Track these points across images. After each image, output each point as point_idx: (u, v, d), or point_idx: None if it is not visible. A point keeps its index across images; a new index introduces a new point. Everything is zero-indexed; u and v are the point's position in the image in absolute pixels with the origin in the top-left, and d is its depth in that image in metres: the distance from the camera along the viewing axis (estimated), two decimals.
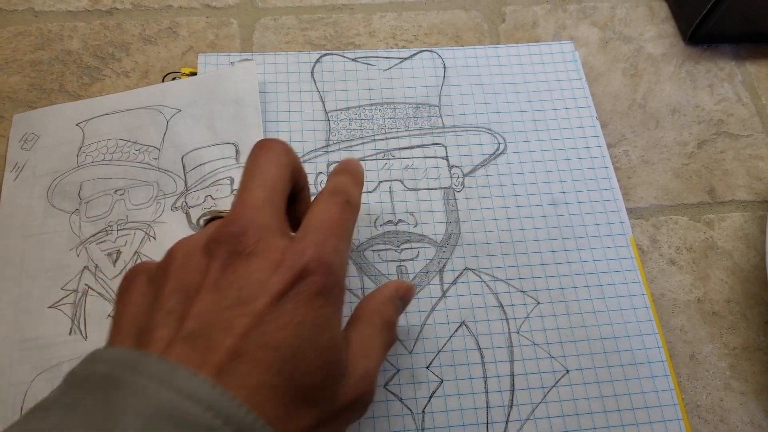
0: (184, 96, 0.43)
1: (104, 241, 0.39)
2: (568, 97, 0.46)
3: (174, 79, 0.45)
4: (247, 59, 0.45)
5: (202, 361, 0.22)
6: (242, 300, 0.24)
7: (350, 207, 0.29)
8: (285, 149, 0.29)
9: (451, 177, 0.43)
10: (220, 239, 0.25)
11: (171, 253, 0.26)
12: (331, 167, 0.42)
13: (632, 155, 0.47)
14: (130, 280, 0.27)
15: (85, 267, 0.38)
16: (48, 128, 0.42)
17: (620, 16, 0.53)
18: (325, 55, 0.46)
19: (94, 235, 0.39)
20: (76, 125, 0.42)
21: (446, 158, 0.43)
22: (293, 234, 0.27)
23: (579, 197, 0.43)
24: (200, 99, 0.43)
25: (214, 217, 0.36)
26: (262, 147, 0.29)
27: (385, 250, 0.40)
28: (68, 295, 0.37)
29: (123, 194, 0.40)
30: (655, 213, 0.45)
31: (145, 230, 0.39)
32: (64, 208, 0.39)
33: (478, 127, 0.45)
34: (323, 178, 0.42)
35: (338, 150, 0.43)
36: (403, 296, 0.33)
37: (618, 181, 0.44)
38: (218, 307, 0.23)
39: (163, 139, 0.42)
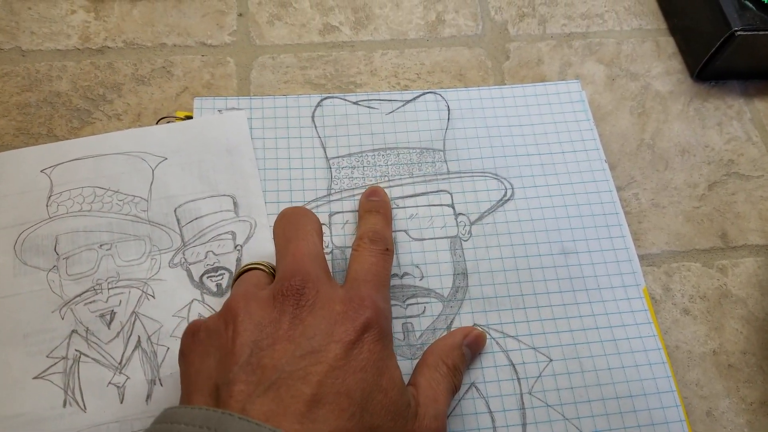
0: (168, 143, 0.41)
1: (93, 300, 0.36)
2: (576, 139, 0.45)
3: (168, 122, 0.43)
4: (236, 109, 0.43)
5: (284, 411, 0.23)
6: (314, 349, 0.26)
7: (389, 255, 0.34)
8: (309, 210, 0.34)
9: (457, 225, 0.41)
10: (287, 293, 0.28)
11: (232, 309, 0.28)
12: (333, 217, 0.41)
13: (642, 198, 0.46)
14: (190, 337, 0.29)
15: (73, 331, 0.36)
16: (6, 175, 0.38)
17: (626, 52, 0.52)
18: (326, 98, 0.45)
19: (80, 295, 0.36)
20: (42, 171, 0.39)
21: (452, 206, 0.42)
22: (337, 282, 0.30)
23: (590, 246, 0.41)
24: (187, 147, 0.40)
25: (248, 269, 0.34)
26: (294, 211, 0.33)
27: (391, 305, 0.38)
28: (56, 363, 0.35)
29: (110, 249, 0.38)
30: (667, 260, 0.44)
31: (141, 288, 0.37)
32: (38, 265, 0.36)
33: (485, 173, 0.43)
34: (325, 230, 0.40)
35: (340, 199, 0.41)
36: (470, 344, 0.35)
37: (628, 226, 0.43)
38: (293, 357, 0.25)
39: (151, 189, 0.39)
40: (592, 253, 0.41)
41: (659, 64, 0.52)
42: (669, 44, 0.53)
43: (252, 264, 0.34)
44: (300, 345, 0.26)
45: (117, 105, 0.45)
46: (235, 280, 0.34)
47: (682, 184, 0.47)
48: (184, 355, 0.29)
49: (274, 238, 0.34)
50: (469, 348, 0.35)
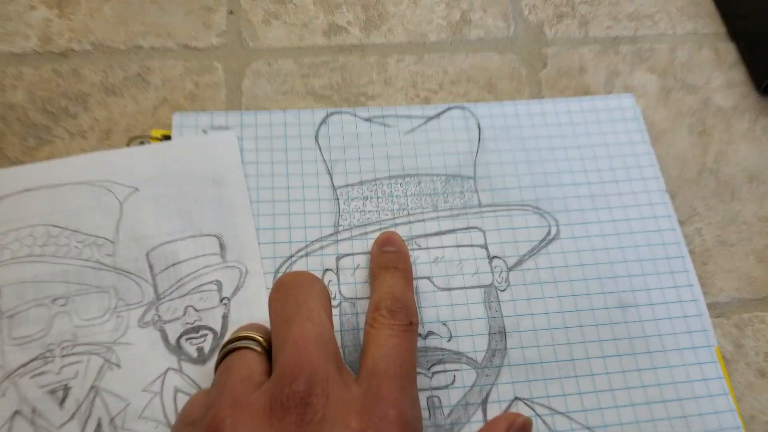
0: (140, 170, 0.33)
1: (43, 372, 0.29)
2: (632, 165, 0.38)
3: (142, 143, 0.36)
4: (223, 128, 0.36)
5: None
6: None
7: (413, 330, 0.27)
8: (315, 277, 0.28)
9: (492, 272, 0.34)
10: (287, 403, 0.22)
11: (214, 426, 0.22)
12: (341, 261, 0.33)
13: (706, 235, 0.39)
14: None
15: (16, 412, 0.28)
16: None
17: (682, 60, 0.45)
18: (332, 114, 0.37)
19: (25, 365, 0.29)
20: None
21: (485, 247, 0.34)
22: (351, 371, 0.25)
23: (652, 297, 0.34)
24: (163, 175, 0.33)
25: (235, 347, 0.26)
26: (295, 280, 0.27)
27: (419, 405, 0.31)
28: None
29: (65, 305, 0.30)
30: (738, 309, 0.37)
31: (103, 355, 0.30)
32: None
33: (524, 206, 0.36)
34: (331, 276, 0.33)
35: (350, 239, 0.34)
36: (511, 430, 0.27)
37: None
38: None
39: (118, 227, 0.32)
40: (654, 306, 0.34)
41: (719, 74, 0.44)
42: (730, 51, 0.45)
43: (242, 334, 0.27)
44: None
45: (82, 120, 0.38)
46: (219, 362, 0.27)
47: (752, 217, 0.40)
48: None
49: (270, 316, 0.27)
50: None
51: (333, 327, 0.27)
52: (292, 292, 0.26)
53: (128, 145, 0.36)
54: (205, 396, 0.26)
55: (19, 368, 0.29)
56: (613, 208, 0.36)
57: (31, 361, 0.29)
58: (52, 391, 0.29)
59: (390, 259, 0.31)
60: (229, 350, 0.26)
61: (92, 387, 0.29)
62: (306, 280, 0.27)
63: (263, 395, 0.23)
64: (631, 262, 0.35)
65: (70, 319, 0.30)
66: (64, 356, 0.29)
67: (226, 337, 0.30)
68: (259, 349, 0.26)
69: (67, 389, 0.29)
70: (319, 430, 0.21)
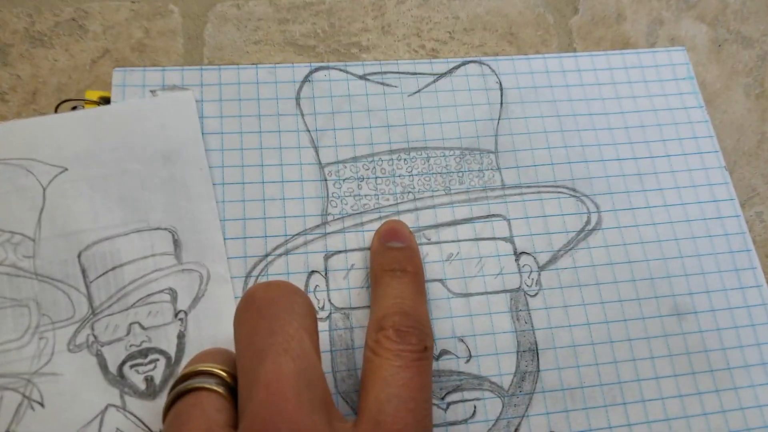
0: (70, 143, 0.26)
1: None
2: (686, 136, 0.31)
3: (74, 108, 0.28)
4: (178, 87, 0.28)
5: None
6: None
7: (428, 357, 0.21)
8: (295, 288, 0.21)
9: (520, 272, 0.27)
10: None
11: None
12: (331, 260, 0.26)
13: None
14: None
15: None
16: None
17: (734, 8, 0.37)
18: (317, 69, 0.30)
19: None
20: None
21: (511, 240, 0.28)
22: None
23: (713, 302, 0.28)
24: (100, 150, 0.26)
25: (188, 387, 0.19)
26: (268, 294, 0.20)
27: None
28: None
29: None
30: None
31: (21, 390, 0.23)
32: None
33: (557, 187, 0.29)
34: (319, 280, 0.26)
35: (341, 231, 0.27)
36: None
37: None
38: None
39: (39, 221, 0.25)
40: (716, 313, 0.28)
41: None
42: None
43: (199, 368, 0.20)
44: None
45: (2, 79, 0.30)
46: (168, 406, 0.20)
47: None
48: None
49: (237, 344, 0.20)
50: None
51: (320, 358, 0.20)
52: (265, 311, 0.20)
53: (56, 111, 0.28)
54: None
55: None
56: (665, 189, 0.29)
57: None
58: None
59: (396, 259, 0.24)
60: (180, 392, 0.20)
61: (7, 431, 0.22)
62: (283, 293, 0.20)
63: None
64: (688, 258, 0.28)
65: None
66: None
67: (182, 365, 0.23)
68: (220, 389, 0.19)
69: None
70: None
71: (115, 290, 0.24)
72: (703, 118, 0.31)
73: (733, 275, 0.28)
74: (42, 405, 0.23)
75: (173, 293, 0.24)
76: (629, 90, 0.31)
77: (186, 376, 0.20)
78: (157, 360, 0.24)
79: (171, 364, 0.24)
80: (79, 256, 0.24)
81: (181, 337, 0.24)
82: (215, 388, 0.19)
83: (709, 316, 0.27)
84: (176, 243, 0.25)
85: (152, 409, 0.23)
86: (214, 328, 0.24)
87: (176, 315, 0.24)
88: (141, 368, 0.23)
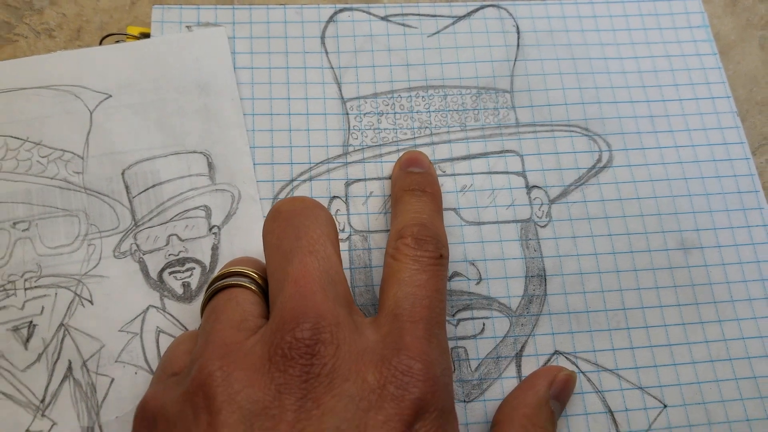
0: (114, 73, 0.28)
1: (4, 307, 0.25)
2: (698, 82, 0.31)
3: (118, 42, 0.30)
4: (212, 24, 0.30)
5: None
6: None
7: (443, 265, 0.22)
8: (318, 203, 0.23)
9: (531, 204, 0.28)
10: (290, 352, 0.18)
11: (204, 383, 0.18)
12: (351, 188, 0.28)
13: None
14: (145, 430, 0.19)
15: None
16: None
17: None
18: (341, 10, 0.31)
19: None
20: None
21: (523, 174, 0.29)
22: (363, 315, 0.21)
23: (719, 238, 0.29)
24: (141, 80, 0.28)
25: (225, 284, 0.22)
26: (294, 207, 0.22)
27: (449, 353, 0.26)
28: None
29: (28, 229, 0.26)
30: None
31: (73, 289, 0.25)
32: None
33: (570, 126, 0.30)
34: (340, 205, 0.28)
35: (361, 161, 0.29)
36: (558, 394, 0.24)
37: None
38: None
39: (87, 141, 0.27)
40: (722, 248, 0.28)
41: None
42: None
43: (233, 269, 0.22)
44: None
45: (48, 16, 0.32)
46: (206, 302, 0.22)
47: None
48: None
49: (266, 249, 0.22)
50: (558, 400, 0.23)
51: (341, 262, 0.22)
52: (291, 220, 0.21)
53: (101, 44, 0.30)
54: (190, 341, 0.22)
55: None
56: (676, 131, 0.30)
57: None
58: (15, 329, 0.25)
59: (416, 181, 0.26)
60: (217, 288, 0.22)
61: (61, 325, 0.25)
62: (307, 206, 0.22)
63: (260, 343, 0.19)
64: (697, 197, 0.29)
65: (33, 247, 0.26)
66: (27, 289, 0.25)
67: (216, 272, 0.25)
68: (253, 287, 0.22)
69: (32, 327, 0.25)
70: (329, 384, 0.18)
71: (155, 205, 0.26)
72: (715, 65, 0.32)
73: (740, 214, 0.29)
74: (91, 302, 0.25)
75: (208, 210, 0.26)
76: (644, 36, 0.32)
77: (221, 276, 0.22)
78: (193, 268, 0.26)
79: (205, 272, 0.26)
80: (122, 173, 0.27)
81: (214, 248, 0.26)
82: (248, 285, 0.21)
83: (715, 252, 0.28)
84: (210, 165, 0.27)
85: (188, 311, 0.25)
86: (245, 242, 0.26)
87: (210, 229, 0.26)
88: (179, 275, 0.26)
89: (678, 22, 0.33)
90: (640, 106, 0.31)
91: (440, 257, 0.22)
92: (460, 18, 0.31)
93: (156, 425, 0.18)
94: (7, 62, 0.29)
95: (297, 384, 0.17)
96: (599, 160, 0.29)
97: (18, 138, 0.27)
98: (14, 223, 0.26)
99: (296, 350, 0.18)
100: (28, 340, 0.25)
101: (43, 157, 0.27)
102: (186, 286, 0.25)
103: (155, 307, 0.25)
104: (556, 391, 0.24)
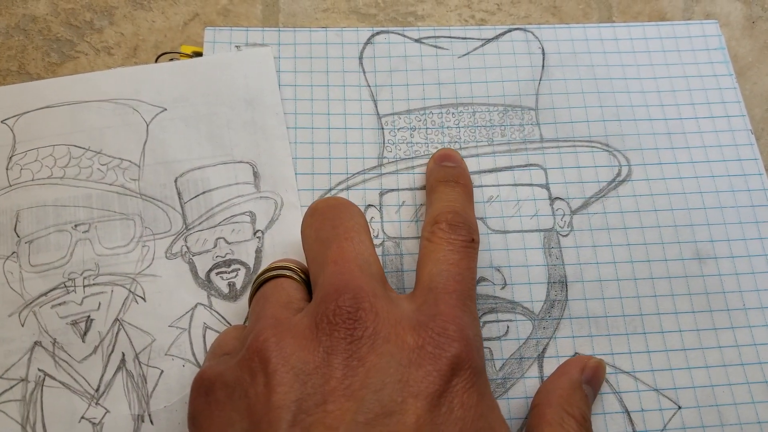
0: (169, 88, 0.30)
1: (64, 302, 0.27)
2: (715, 101, 0.33)
3: (172, 60, 0.33)
4: (259, 44, 0.32)
5: None
6: (386, 407, 0.18)
7: (475, 248, 0.25)
8: (350, 201, 0.25)
9: (554, 215, 0.30)
10: (335, 320, 0.20)
11: (259, 350, 0.20)
12: (385, 197, 0.30)
13: None
14: (204, 396, 0.21)
15: (36, 342, 0.27)
16: None
17: None
18: (378, 33, 0.33)
19: (46, 294, 0.27)
20: (2, 122, 0.30)
21: (547, 187, 0.31)
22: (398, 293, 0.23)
23: (733, 249, 0.30)
24: (193, 95, 0.30)
25: (270, 276, 0.24)
26: (330, 204, 0.24)
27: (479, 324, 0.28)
28: (13, 386, 0.26)
29: (88, 231, 0.28)
30: None
31: (127, 287, 0.27)
32: None
33: (592, 142, 0.32)
34: (374, 213, 0.30)
35: (395, 172, 0.31)
36: (590, 379, 0.26)
37: None
38: (355, 423, 0.18)
39: (144, 150, 0.29)
40: (735, 259, 0.30)
41: None
42: None
43: (277, 265, 0.24)
44: (363, 403, 0.18)
45: (108, 35, 0.35)
46: (254, 292, 0.24)
47: None
48: (196, 423, 0.21)
49: (305, 242, 0.24)
50: (590, 385, 0.26)
51: (374, 247, 0.24)
52: (327, 214, 0.24)
53: (156, 61, 0.33)
54: (238, 330, 0.24)
55: (39, 297, 0.27)
56: (692, 148, 0.32)
57: (52, 290, 0.27)
58: (74, 323, 0.27)
59: (450, 173, 0.28)
60: (264, 279, 0.24)
61: (116, 320, 0.27)
62: (341, 202, 0.25)
63: (306, 315, 0.21)
64: (712, 209, 0.31)
65: (92, 247, 0.28)
66: (86, 286, 0.27)
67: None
68: (296, 275, 0.24)
69: (89, 321, 0.27)
70: (372, 345, 0.20)
71: (204, 210, 0.29)
72: (732, 85, 0.34)
73: (753, 227, 0.31)
74: (144, 300, 0.27)
75: (253, 215, 0.29)
76: (663, 58, 0.34)
77: (267, 270, 0.24)
78: (239, 269, 0.28)
79: (249, 273, 0.28)
80: (175, 181, 0.29)
81: (258, 251, 0.28)
82: (291, 275, 0.23)
83: (729, 262, 0.30)
84: (255, 174, 0.29)
85: (233, 309, 0.27)
86: (286, 245, 0.28)
87: (255, 233, 0.28)
88: (225, 275, 0.28)
89: (696, 45, 0.34)
90: (659, 124, 0.32)
91: (472, 241, 0.24)
92: (488, 40, 0.34)
93: (213, 392, 0.20)
94: (72, 77, 0.31)
95: (343, 346, 0.19)
96: (619, 174, 0.31)
97: (81, 147, 0.29)
98: (75, 225, 0.28)
99: (340, 317, 0.20)
100: (85, 333, 0.27)
101: (103, 164, 0.29)
102: (231, 285, 0.28)
103: (203, 304, 0.27)
104: (588, 376, 0.25)
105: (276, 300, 0.22)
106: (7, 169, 0.29)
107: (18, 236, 0.28)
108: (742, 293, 0.29)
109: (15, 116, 0.30)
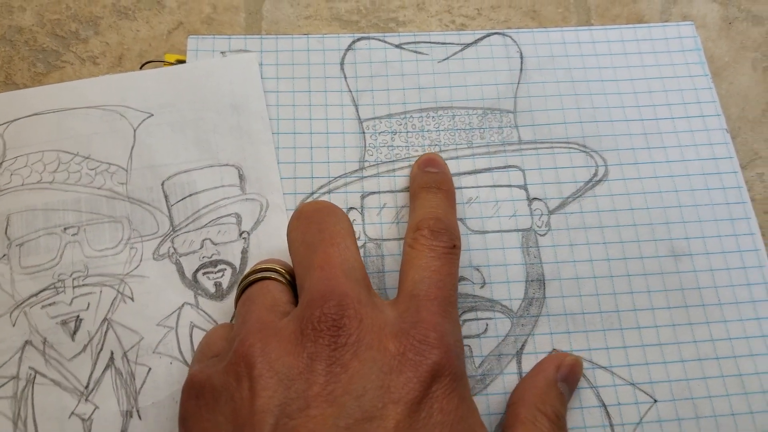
0: (155, 94, 0.31)
1: (54, 303, 0.28)
2: (690, 101, 0.34)
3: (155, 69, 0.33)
4: (243, 51, 0.33)
5: None
6: (366, 413, 0.19)
7: (456, 254, 0.25)
8: (335, 205, 0.26)
9: (531, 215, 0.31)
10: (319, 326, 0.20)
11: (244, 354, 0.20)
12: (366, 200, 0.31)
13: None
14: (194, 399, 0.21)
15: (27, 342, 0.27)
16: None
17: None
18: (359, 39, 0.34)
19: (36, 294, 0.28)
20: None
21: (525, 187, 0.31)
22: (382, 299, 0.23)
23: (708, 246, 0.31)
24: (179, 100, 0.31)
25: (256, 278, 0.25)
26: (316, 208, 0.25)
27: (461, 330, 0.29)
28: (5, 384, 0.27)
29: (77, 234, 0.29)
30: None
31: (116, 287, 0.28)
32: None
33: (569, 143, 0.32)
34: (356, 215, 0.30)
35: (376, 175, 0.31)
36: (567, 377, 0.26)
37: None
38: (337, 427, 0.19)
39: (131, 155, 0.30)
40: (710, 255, 0.31)
41: None
42: None
43: (262, 266, 0.25)
44: (344, 408, 0.19)
45: (93, 45, 0.35)
46: (240, 294, 0.25)
47: None
48: (186, 425, 0.21)
49: (291, 246, 0.25)
50: (566, 383, 0.26)
51: (359, 252, 0.24)
52: (314, 218, 0.24)
53: (141, 69, 0.34)
54: (225, 329, 0.25)
55: (29, 298, 0.28)
56: (668, 147, 0.33)
57: (42, 290, 0.28)
58: (64, 323, 0.28)
59: (433, 179, 0.29)
60: (249, 281, 0.25)
61: (105, 319, 0.28)
62: (327, 206, 0.25)
63: (292, 320, 0.21)
64: (687, 207, 0.32)
65: (81, 250, 0.29)
66: (75, 287, 0.28)
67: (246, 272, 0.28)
68: (281, 278, 0.25)
69: (78, 321, 0.28)
70: (355, 352, 0.20)
71: (191, 212, 0.29)
72: (707, 86, 0.34)
73: (728, 224, 0.31)
74: (132, 300, 0.28)
75: (238, 217, 0.29)
76: (639, 60, 0.35)
77: (252, 272, 0.25)
78: (225, 269, 0.29)
79: (236, 273, 0.29)
80: (162, 184, 0.30)
81: (244, 252, 0.29)
82: (277, 277, 0.24)
83: (704, 258, 0.31)
84: (241, 177, 0.30)
85: (220, 308, 0.28)
86: (271, 246, 0.29)
87: (240, 234, 0.29)
88: (211, 275, 0.29)
89: (672, 46, 0.35)
90: (635, 125, 0.33)
91: (453, 247, 0.25)
92: (467, 45, 0.34)
93: (203, 395, 0.21)
94: (59, 85, 0.32)
95: (326, 352, 0.20)
96: (595, 174, 0.32)
97: (69, 152, 0.30)
98: (65, 228, 0.29)
99: (325, 323, 0.20)
100: (75, 332, 0.28)
101: (91, 169, 0.30)
102: (218, 285, 0.28)
103: (190, 304, 0.28)
104: (564, 374, 0.26)
105: (261, 303, 0.23)
106: None
107: (9, 239, 0.29)
108: (717, 289, 0.30)
109: (4, 123, 0.31)
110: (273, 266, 0.25)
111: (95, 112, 0.31)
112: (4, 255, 0.28)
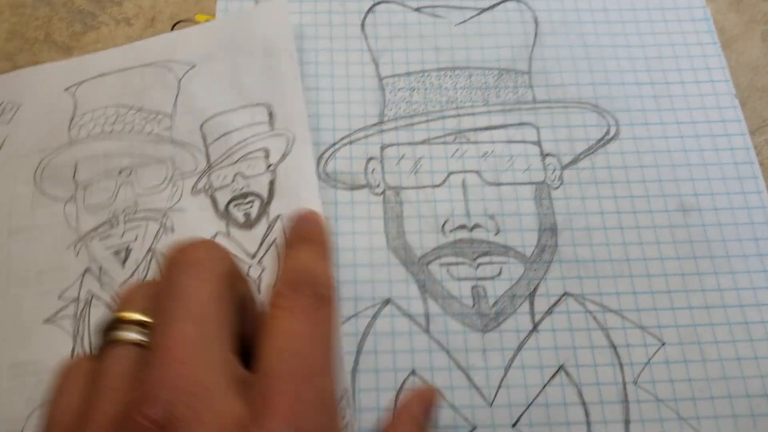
0: (198, 47, 0.34)
1: (109, 235, 0.31)
2: (699, 67, 0.35)
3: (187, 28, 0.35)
4: None
5: None
6: None
7: (325, 304, 0.19)
8: (209, 253, 0.19)
9: (545, 169, 0.32)
10: None
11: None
12: (386, 151, 0.32)
13: None
14: None
15: (86, 269, 0.30)
16: (31, 95, 0.34)
17: None
18: (379, 3, 0.36)
19: (95, 229, 0.31)
20: (65, 90, 0.34)
21: (538, 143, 0.33)
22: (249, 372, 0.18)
23: (716, 202, 0.32)
24: (219, 50, 0.34)
25: (108, 341, 0.18)
26: (174, 263, 0.19)
27: (457, 264, 0.30)
28: (68, 305, 0.30)
29: (129, 175, 0.32)
30: None
31: (160, 220, 0.31)
32: (56, 195, 0.32)
33: (582, 103, 0.34)
34: (375, 165, 0.32)
35: (395, 129, 0.33)
36: (426, 410, 0.25)
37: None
38: None
39: (175, 103, 0.33)
40: (718, 211, 0.32)
41: None
42: None
43: (125, 314, 0.18)
44: None
45: (126, 7, 0.37)
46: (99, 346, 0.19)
47: None
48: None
49: (149, 306, 0.19)
50: (426, 416, 0.25)
51: (226, 313, 0.18)
52: (174, 278, 0.18)
53: (172, 30, 0.35)
54: (76, 395, 0.18)
55: (90, 232, 0.31)
56: (677, 109, 0.34)
57: (100, 225, 0.31)
58: (116, 252, 0.31)
59: (305, 231, 0.23)
60: (106, 341, 0.18)
61: (149, 249, 0.30)
62: (195, 259, 0.19)
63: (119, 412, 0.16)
64: (695, 166, 0.33)
65: (132, 189, 0.32)
66: (126, 222, 0.31)
67: (272, 205, 0.30)
68: (145, 339, 0.18)
69: (128, 251, 0.31)
70: None
71: (225, 150, 0.32)
72: (716, 53, 0.36)
73: (736, 182, 0.32)
74: (173, 231, 0.31)
75: (266, 151, 0.31)
76: (650, 28, 0.36)
77: (114, 322, 0.18)
78: (254, 201, 0.31)
79: (263, 204, 0.31)
80: (201, 126, 0.32)
81: (271, 183, 0.31)
82: (135, 338, 0.18)
83: (712, 214, 0.32)
84: (271, 115, 0.32)
85: (248, 236, 0.30)
86: (297, 178, 0.31)
87: (268, 167, 0.31)
88: (241, 206, 0.31)
89: (682, 16, 0.36)
90: (645, 88, 0.34)
91: (318, 298, 0.19)
92: (484, 10, 0.36)
93: None
94: (121, 48, 0.35)
95: None
96: (607, 133, 0.33)
97: (126, 106, 0.33)
98: (120, 171, 0.32)
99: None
100: (125, 260, 0.31)
101: (142, 119, 0.33)
102: (247, 215, 0.31)
103: (222, 233, 0.31)
104: (425, 407, 0.25)
105: (109, 383, 0.17)
106: (69, 129, 0.33)
107: (76, 183, 0.32)
108: (725, 242, 0.31)
109: (75, 84, 0.34)
110: (136, 317, 0.18)
111: (148, 69, 0.34)
112: (72, 196, 0.32)
